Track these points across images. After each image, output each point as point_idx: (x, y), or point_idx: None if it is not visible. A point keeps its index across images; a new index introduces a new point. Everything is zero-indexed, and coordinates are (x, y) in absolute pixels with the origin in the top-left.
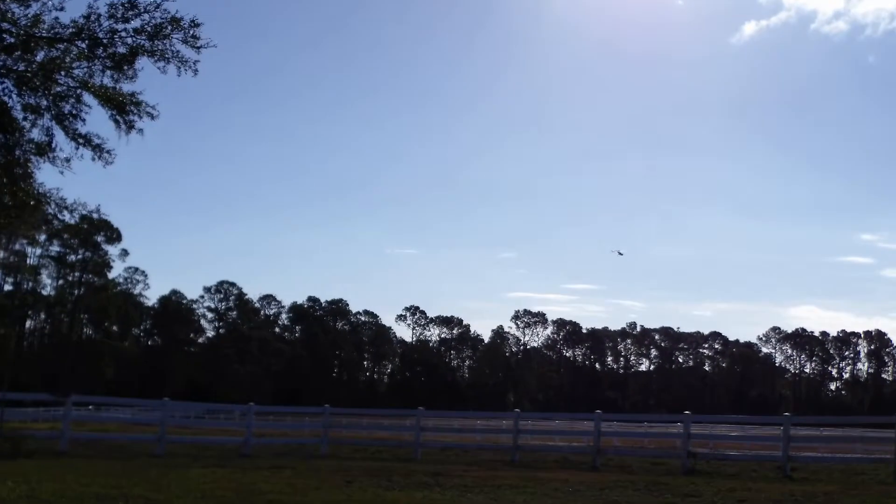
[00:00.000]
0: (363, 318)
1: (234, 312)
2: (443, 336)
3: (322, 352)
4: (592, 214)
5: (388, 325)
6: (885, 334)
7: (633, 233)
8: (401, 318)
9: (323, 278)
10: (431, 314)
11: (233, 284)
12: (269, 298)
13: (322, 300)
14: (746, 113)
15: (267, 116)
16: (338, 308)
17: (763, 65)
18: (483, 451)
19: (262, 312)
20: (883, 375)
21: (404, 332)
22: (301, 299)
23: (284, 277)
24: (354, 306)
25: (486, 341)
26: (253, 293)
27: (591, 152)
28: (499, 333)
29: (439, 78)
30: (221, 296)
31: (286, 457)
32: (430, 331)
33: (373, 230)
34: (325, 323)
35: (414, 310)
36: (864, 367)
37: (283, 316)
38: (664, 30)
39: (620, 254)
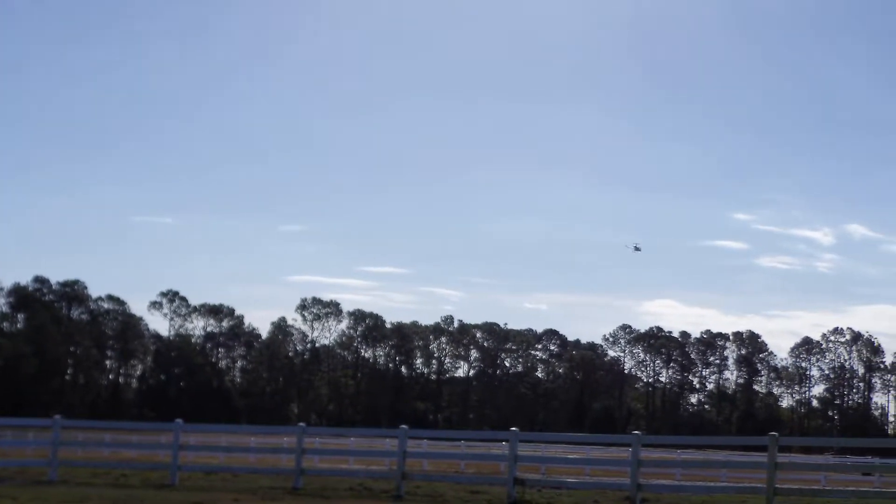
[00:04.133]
0: (106, 306)
1: None
2: (209, 329)
3: (52, 348)
4: (399, 177)
5: (138, 314)
6: (758, 336)
7: (448, 201)
8: (155, 305)
9: (53, 253)
10: (194, 301)
11: None
12: None
13: (52, 281)
14: (602, 61)
15: None
16: (73, 292)
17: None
18: (258, 476)
19: None
20: (755, 387)
21: (159, 324)
22: (24, 279)
23: (1, 251)
24: (95, 290)
25: (263, 337)
26: None
27: (394, 98)
28: (280, 327)
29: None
30: None
31: (3, 483)
32: (192, 322)
33: (116, 192)
34: (55, 311)
35: (172, 296)
36: (732, 376)
37: (1, 301)
38: None
39: (637, 249)
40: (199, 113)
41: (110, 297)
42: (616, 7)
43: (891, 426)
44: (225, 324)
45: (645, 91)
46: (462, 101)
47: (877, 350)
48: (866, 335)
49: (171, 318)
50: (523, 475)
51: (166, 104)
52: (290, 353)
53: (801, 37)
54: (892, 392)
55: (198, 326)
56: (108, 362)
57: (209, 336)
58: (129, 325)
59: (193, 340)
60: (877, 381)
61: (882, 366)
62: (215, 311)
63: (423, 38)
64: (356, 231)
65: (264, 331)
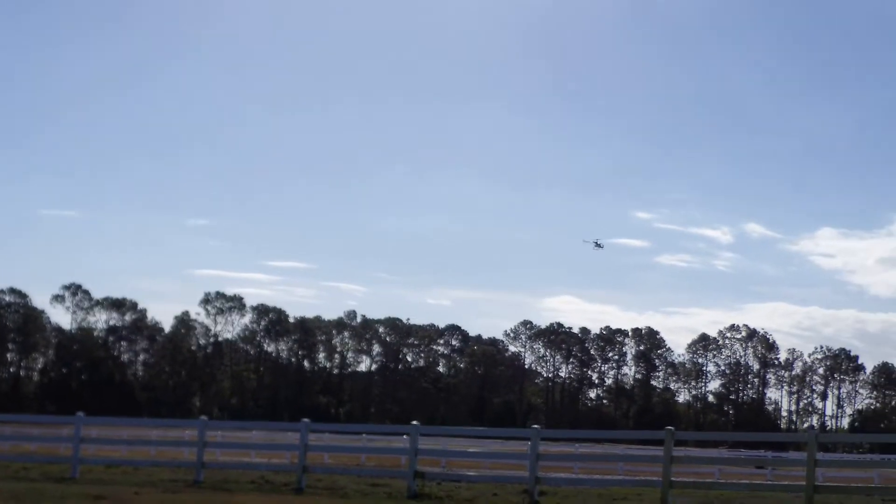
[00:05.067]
0: (8, 299)
1: None
2: (112, 323)
3: None
4: (303, 173)
5: (40, 307)
6: (656, 333)
7: (353, 198)
8: (58, 298)
9: None
10: (97, 295)
11: None
12: None
13: None
14: (505, 61)
15: None
16: None
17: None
18: (159, 469)
19: None
20: (652, 382)
21: (62, 318)
22: None
23: None
24: None
25: (166, 331)
26: None
27: (300, 96)
28: (183, 321)
29: None
30: None
31: None
32: (95, 316)
33: (20, 185)
34: None
35: (75, 289)
36: (630, 371)
37: None
38: None
39: (599, 245)
40: (106, 106)
41: (12, 290)
42: (519, 7)
43: (784, 421)
44: (128, 317)
45: (547, 90)
46: (365, 99)
47: (771, 347)
48: (761, 332)
49: (74, 312)
50: (424, 468)
51: (72, 97)
52: (193, 347)
53: (699, 39)
54: (786, 388)
55: (100, 320)
56: (9, 355)
57: (112, 329)
58: (31, 318)
59: (96, 334)
60: (771, 377)
61: (776, 362)
62: (118, 305)
63: (329, 36)
64: (261, 226)
65: (167, 324)
